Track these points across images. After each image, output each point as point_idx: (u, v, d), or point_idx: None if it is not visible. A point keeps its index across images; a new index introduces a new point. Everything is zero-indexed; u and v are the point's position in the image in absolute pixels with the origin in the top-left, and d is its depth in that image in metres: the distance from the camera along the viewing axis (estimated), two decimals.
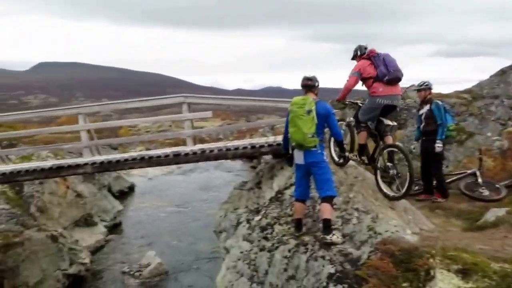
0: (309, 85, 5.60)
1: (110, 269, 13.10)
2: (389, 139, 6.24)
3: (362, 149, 6.50)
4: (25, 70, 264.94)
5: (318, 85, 5.64)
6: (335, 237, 5.25)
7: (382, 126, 6.26)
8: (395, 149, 6.06)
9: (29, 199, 13.52)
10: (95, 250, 14.59)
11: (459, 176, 8.17)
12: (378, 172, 6.18)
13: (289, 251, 5.48)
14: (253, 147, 7.47)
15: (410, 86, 12.11)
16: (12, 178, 8.43)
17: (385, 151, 6.10)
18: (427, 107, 7.61)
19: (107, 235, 16.05)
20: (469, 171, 8.18)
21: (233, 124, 32.07)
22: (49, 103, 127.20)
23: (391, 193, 6.02)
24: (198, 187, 24.30)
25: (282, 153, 6.68)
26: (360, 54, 6.26)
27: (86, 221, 15.71)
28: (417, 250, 4.65)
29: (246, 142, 7.77)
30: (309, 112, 5.25)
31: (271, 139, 7.43)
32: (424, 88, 7.69)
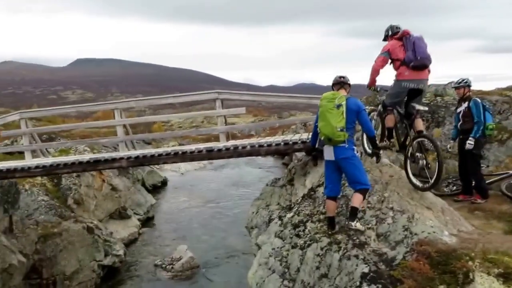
0: (341, 82, 5.58)
1: (143, 261, 13.35)
2: (419, 123, 6.07)
3: (390, 132, 6.36)
4: (63, 66, 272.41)
5: (350, 84, 5.63)
6: (359, 224, 5.32)
7: (410, 110, 6.10)
8: (426, 139, 5.88)
9: (66, 191, 13.91)
10: (129, 243, 14.91)
11: (500, 176, 7.88)
12: (408, 162, 6.05)
13: (322, 249, 5.41)
14: (286, 143, 7.43)
15: (449, 84, 11.78)
16: (51, 171, 8.68)
17: (415, 141, 5.94)
18: (465, 105, 7.38)
19: (140, 228, 16.38)
20: (511, 172, 7.90)
21: (266, 121, 32.06)
22: (86, 98, 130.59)
23: (420, 184, 5.86)
24: (230, 183, 24.46)
25: (309, 149, 6.62)
26: (392, 34, 6.02)
27: (121, 214, 16.07)
28: (455, 252, 4.51)
29: (279, 138, 7.72)
30: (338, 106, 5.22)
31: (304, 136, 7.35)
32: (463, 85, 7.46)
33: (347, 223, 5.37)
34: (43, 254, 10.69)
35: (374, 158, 6.36)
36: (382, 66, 5.94)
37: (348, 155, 5.33)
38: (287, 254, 5.84)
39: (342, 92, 5.50)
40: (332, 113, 5.22)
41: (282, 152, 7.91)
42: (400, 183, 6.24)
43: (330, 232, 5.56)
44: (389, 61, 5.95)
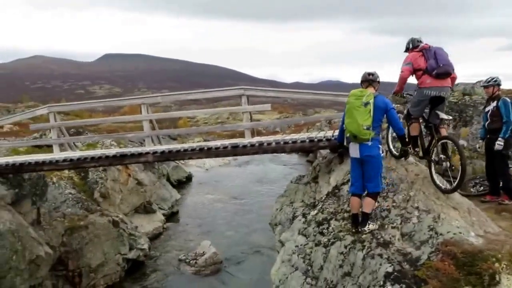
0: (370, 79, 5.57)
1: (167, 255, 13.53)
2: (444, 132, 6.06)
3: (415, 141, 6.36)
4: (91, 61, 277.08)
5: (379, 81, 5.62)
6: (371, 225, 5.41)
7: (435, 119, 6.08)
8: (449, 141, 5.91)
9: (93, 185, 14.19)
10: (153, 237, 15.12)
11: None
12: (432, 164, 6.02)
13: (345, 247, 5.39)
14: (311, 140, 7.40)
15: (477, 82, 11.53)
16: (79, 165, 8.86)
17: (439, 143, 5.92)
18: (494, 104, 7.21)
19: (164, 223, 16.60)
20: None
21: (290, 118, 31.93)
22: (113, 93, 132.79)
23: (443, 186, 5.80)
24: (254, 179, 24.52)
25: (335, 146, 6.72)
26: (412, 46, 6.16)
27: (146, 209, 16.31)
28: (482, 253, 4.43)
29: (304, 135, 7.70)
30: (366, 104, 5.22)
31: (329, 133, 7.32)
32: (492, 84, 7.29)
33: (360, 229, 5.45)
34: (69, 246, 10.93)
35: (402, 153, 6.34)
36: (409, 76, 6.07)
37: (372, 154, 5.35)
38: (311, 252, 5.84)
39: (371, 90, 5.49)
40: (359, 110, 5.23)
41: (307, 149, 7.89)
42: (426, 182, 6.15)
43: (354, 230, 5.55)
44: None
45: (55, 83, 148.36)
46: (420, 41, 6.14)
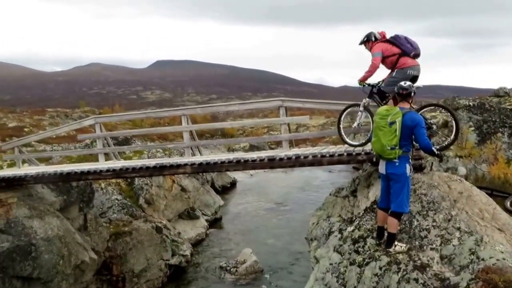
0: (403, 94, 5.40)
1: (208, 262, 13.64)
2: None
3: None
4: (144, 68, 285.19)
5: (414, 94, 5.47)
6: (398, 247, 5.26)
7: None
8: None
9: (138, 191, 14.58)
10: (196, 243, 15.32)
11: None
12: None
13: (380, 268, 5.19)
14: (349, 154, 7.22)
15: None
16: (120, 174, 9.09)
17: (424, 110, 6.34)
18: None
19: (207, 229, 16.78)
20: None
21: (329, 130, 31.50)
22: (164, 98, 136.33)
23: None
24: (298, 186, 24.38)
25: (373, 160, 6.95)
26: (375, 39, 6.78)
27: (189, 215, 16.57)
28: None
29: (342, 149, 7.52)
30: (391, 124, 5.12)
31: (368, 146, 7.10)
32: None
33: (386, 250, 5.35)
34: (113, 251, 11.24)
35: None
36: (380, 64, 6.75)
37: (397, 172, 5.24)
38: (345, 271, 5.67)
39: (404, 105, 5.35)
40: (383, 130, 5.18)
41: (345, 162, 7.72)
42: (470, 201, 5.85)
43: (378, 242, 5.57)
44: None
45: (109, 89, 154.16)
46: (378, 35, 6.89)
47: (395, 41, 6.65)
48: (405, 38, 6.69)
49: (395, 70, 6.66)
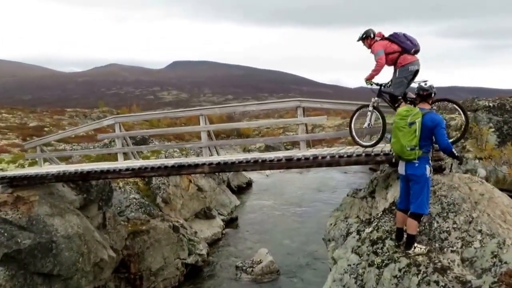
0: (423, 95, 5.39)
1: (224, 262, 13.69)
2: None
3: None
4: (161, 68, 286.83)
5: (434, 95, 5.46)
6: (417, 249, 5.24)
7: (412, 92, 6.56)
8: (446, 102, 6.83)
9: (156, 190, 14.70)
10: (212, 242, 15.40)
11: None
12: None
13: (400, 270, 5.16)
14: (367, 155, 7.18)
15: None
16: (139, 173, 9.18)
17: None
18: None
19: (223, 229, 16.85)
20: None
21: (346, 131, 31.41)
22: (180, 98, 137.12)
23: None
24: (314, 187, 24.29)
25: (392, 161, 6.79)
26: (373, 36, 6.83)
27: (206, 214, 16.66)
28: None
29: (360, 149, 7.48)
30: (411, 124, 5.11)
31: (387, 147, 7.06)
32: None
33: (405, 251, 5.34)
34: (131, 250, 11.37)
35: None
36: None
37: (416, 173, 5.22)
38: (363, 272, 5.65)
39: (424, 106, 5.34)
40: (403, 131, 5.16)
41: (363, 163, 7.67)
42: (492, 203, 5.78)
43: (397, 244, 5.54)
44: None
45: (127, 89, 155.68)
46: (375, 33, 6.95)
47: (394, 39, 6.70)
48: (404, 35, 6.72)
49: (397, 69, 6.72)
